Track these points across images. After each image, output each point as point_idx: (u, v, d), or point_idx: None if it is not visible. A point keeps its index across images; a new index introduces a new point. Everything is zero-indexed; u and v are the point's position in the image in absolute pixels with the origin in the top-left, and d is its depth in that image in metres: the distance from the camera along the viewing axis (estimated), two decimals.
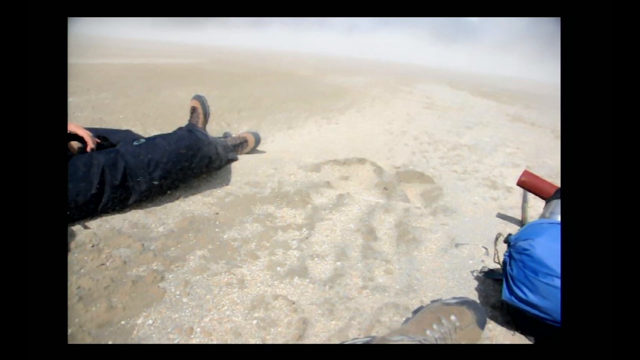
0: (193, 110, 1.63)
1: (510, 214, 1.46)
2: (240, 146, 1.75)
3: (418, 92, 5.34)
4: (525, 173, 1.34)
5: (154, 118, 2.33)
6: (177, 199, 1.26)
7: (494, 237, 0.97)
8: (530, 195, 1.51)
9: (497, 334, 0.81)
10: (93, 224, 1.05)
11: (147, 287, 0.84)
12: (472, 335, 0.71)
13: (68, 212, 1.01)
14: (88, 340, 0.69)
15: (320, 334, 0.76)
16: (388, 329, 0.79)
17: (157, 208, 1.19)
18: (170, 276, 0.88)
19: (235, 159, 1.60)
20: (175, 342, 0.71)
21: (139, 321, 0.75)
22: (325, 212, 1.28)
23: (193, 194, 1.30)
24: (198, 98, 1.64)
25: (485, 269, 1.03)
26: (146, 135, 1.30)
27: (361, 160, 1.74)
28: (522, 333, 0.82)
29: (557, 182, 1.54)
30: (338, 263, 1.01)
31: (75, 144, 1.17)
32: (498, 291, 0.94)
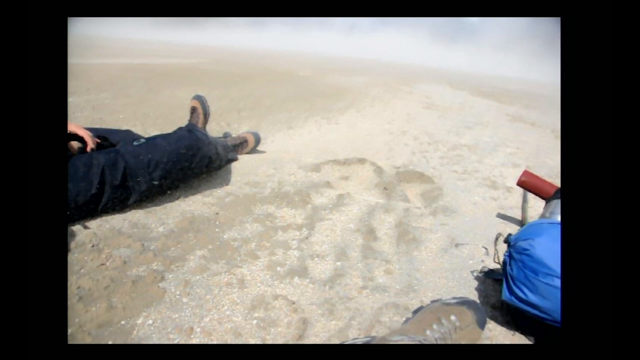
0: (193, 110, 1.63)
1: (510, 214, 1.46)
2: (240, 146, 1.75)
3: (418, 92, 5.34)
4: (525, 173, 1.34)
5: (154, 118, 2.33)
6: (177, 199, 1.26)
7: (494, 237, 0.97)
8: (530, 195, 1.51)
9: (497, 334, 0.81)
10: (93, 224, 1.05)
11: (147, 287, 0.84)
12: (472, 335, 0.71)
13: (68, 212, 1.01)
14: (88, 340, 0.69)
15: (320, 334, 0.76)
16: (388, 329, 0.79)
17: (157, 208, 1.19)
18: (170, 276, 0.88)
19: (235, 159, 1.60)
20: (175, 342, 0.71)
21: (139, 321, 0.75)
22: (325, 212, 1.28)
23: (193, 194, 1.30)
24: (198, 98, 1.64)
25: (485, 269, 1.03)
26: (146, 135, 1.30)
27: (361, 160, 1.74)
28: (522, 333, 0.82)
29: (557, 182, 1.54)
30: (338, 263, 1.01)
31: (75, 144, 1.18)
32: (498, 291, 0.94)
